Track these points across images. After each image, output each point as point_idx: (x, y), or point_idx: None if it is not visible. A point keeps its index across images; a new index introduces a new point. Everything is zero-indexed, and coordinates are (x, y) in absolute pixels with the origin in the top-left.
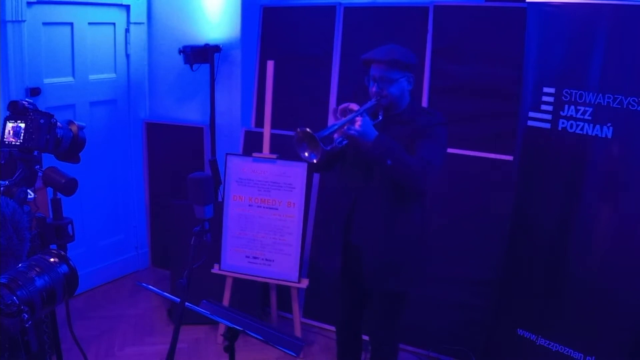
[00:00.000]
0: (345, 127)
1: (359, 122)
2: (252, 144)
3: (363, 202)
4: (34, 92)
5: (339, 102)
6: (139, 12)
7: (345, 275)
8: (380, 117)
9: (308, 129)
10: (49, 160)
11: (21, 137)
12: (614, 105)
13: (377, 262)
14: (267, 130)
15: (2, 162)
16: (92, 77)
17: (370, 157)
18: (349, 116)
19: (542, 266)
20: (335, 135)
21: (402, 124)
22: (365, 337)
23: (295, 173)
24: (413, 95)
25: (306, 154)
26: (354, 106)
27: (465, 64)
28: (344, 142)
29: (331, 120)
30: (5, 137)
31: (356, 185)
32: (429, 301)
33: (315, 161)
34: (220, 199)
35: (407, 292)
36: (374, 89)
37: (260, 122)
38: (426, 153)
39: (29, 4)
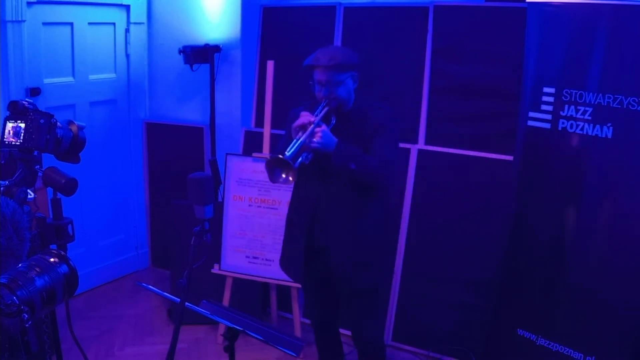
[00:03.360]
0: (307, 141)
1: (319, 133)
2: (252, 144)
3: (324, 205)
4: (34, 92)
5: None
6: (139, 12)
7: (310, 277)
8: (334, 121)
9: (280, 155)
10: (49, 160)
11: (21, 137)
12: (614, 105)
13: (344, 261)
14: (267, 130)
15: (2, 162)
16: (92, 77)
17: (333, 164)
18: (309, 130)
19: (542, 266)
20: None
21: (354, 122)
22: (346, 332)
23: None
24: (357, 93)
25: (283, 177)
26: (309, 117)
27: (465, 64)
28: (310, 157)
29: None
30: (5, 137)
31: (316, 191)
32: (429, 301)
33: (292, 180)
34: (220, 199)
35: (378, 285)
36: (322, 93)
37: (260, 122)
38: (385, 150)
39: (29, 4)
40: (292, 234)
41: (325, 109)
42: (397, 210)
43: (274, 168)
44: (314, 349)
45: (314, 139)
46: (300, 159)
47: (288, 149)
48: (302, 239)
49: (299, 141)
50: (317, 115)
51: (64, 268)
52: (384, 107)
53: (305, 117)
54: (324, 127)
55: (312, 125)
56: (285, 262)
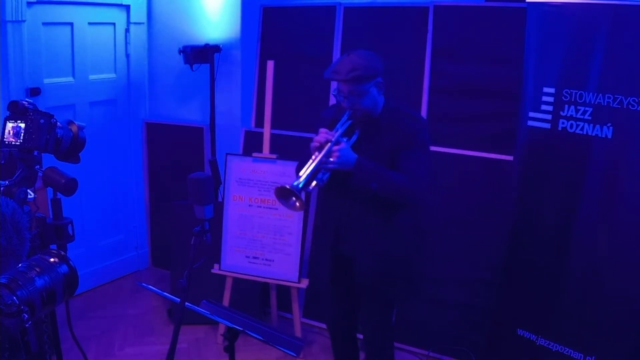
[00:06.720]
0: (324, 161)
1: (336, 152)
2: (252, 144)
3: (350, 217)
4: (34, 92)
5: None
6: (139, 12)
7: (335, 282)
8: (357, 134)
9: (287, 186)
10: (49, 160)
11: (21, 137)
12: (614, 105)
13: (368, 273)
14: (267, 130)
15: (2, 162)
16: (92, 77)
17: (352, 183)
18: (325, 149)
19: (542, 266)
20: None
21: (383, 130)
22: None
23: (295, 173)
24: (386, 95)
25: (292, 201)
26: (327, 135)
27: (465, 64)
28: (326, 176)
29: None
30: (5, 137)
31: (342, 202)
32: (429, 301)
33: (299, 207)
34: (220, 199)
35: (400, 300)
36: (345, 104)
37: (260, 122)
38: (414, 165)
39: (29, 4)
40: (320, 243)
41: (348, 122)
42: None
43: (282, 197)
44: (314, 348)
45: (331, 159)
46: (314, 182)
47: (302, 172)
48: (330, 248)
49: (314, 163)
50: (337, 131)
51: (64, 268)
52: (414, 115)
53: (323, 135)
54: (342, 144)
55: (329, 144)
56: (315, 268)
